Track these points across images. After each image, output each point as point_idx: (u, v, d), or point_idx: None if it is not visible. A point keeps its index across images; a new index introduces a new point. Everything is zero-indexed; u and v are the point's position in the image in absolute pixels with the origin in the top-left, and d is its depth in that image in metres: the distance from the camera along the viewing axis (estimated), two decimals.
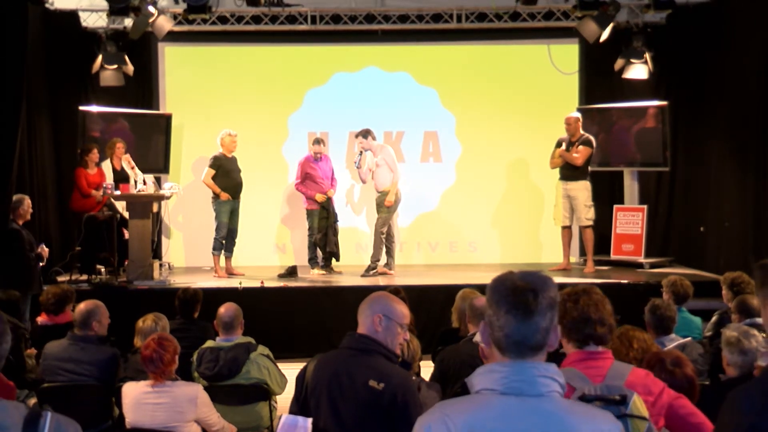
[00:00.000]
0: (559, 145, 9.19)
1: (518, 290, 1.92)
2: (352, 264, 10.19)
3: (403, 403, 3.10)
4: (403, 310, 3.29)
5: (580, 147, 9.04)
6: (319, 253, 9.45)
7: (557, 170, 9.29)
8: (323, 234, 9.28)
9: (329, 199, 9.33)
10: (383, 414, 3.09)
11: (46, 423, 1.99)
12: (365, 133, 9.08)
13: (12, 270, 6.90)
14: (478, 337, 4.42)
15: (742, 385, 2.22)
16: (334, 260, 9.43)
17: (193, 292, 6.05)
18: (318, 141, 9.42)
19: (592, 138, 9.14)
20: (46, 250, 7.48)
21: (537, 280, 1.95)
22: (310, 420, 3.13)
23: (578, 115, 9.27)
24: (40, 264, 7.49)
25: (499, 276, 1.99)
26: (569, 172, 9.14)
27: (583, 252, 10.14)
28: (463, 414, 1.88)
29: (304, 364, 3.41)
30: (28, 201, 7.44)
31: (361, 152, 9.10)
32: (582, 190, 9.12)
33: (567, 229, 9.35)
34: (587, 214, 9.14)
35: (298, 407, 3.26)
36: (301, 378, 3.31)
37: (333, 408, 3.15)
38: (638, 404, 2.48)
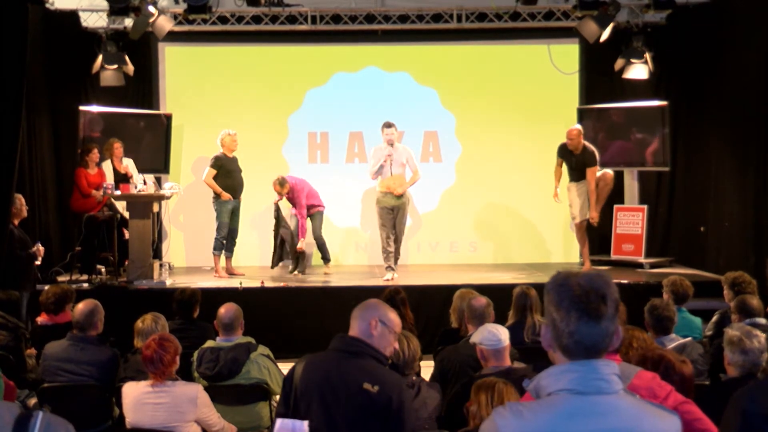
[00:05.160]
0: (561, 154, 9.05)
1: (588, 296, 1.89)
2: (352, 264, 10.23)
3: (398, 405, 3.09)
4: (396, 319, 3.33)
5: (588, 170, 8.82)
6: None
7: (563, 172, 9.19)
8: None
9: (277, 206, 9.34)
10: (378, 417, 3.08)
11: (37, 423, 1.99)
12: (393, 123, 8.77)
13: (2, 269, 6.87)
14: (474, 338, 4.42)
15: (747, 385, 2.22)
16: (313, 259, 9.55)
17: (190, 292, 6.03)
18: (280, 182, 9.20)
19: (593, 149, 8.95)
20: (42, 249, 7.43)
21: (603, 284, 1.92)
22: (306, 423, 3.10)
23: (580, 126, 9.17)
24: (35, 263, 7.46)
25: (560, 280, 1.94)
26: (581, 174, 9.05)
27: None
28: (542, 414, 1.85)
29: None
30: (21, 199, 7.42)
31: (392, 144, 8.72)
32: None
33: (582, 224, 9.10)
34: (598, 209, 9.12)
35: (287, 409, 3.22)
36: (289, 379, 3.26)
37: (326, 411, 3.12)
38: None
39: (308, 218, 9.39)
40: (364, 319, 3.24)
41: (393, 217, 8.81)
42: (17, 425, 1.97)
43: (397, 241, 8.92)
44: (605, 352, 1.93)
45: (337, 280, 8.93)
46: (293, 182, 9.27)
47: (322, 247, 9.57)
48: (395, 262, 8.90)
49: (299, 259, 9.31)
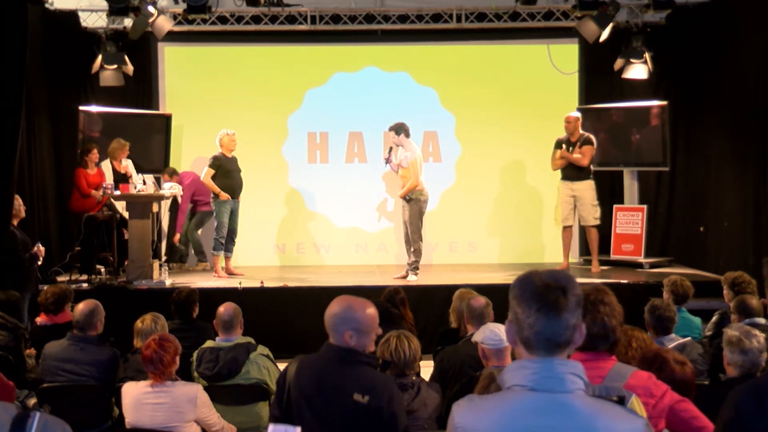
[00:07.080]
0: (558, 146, 9.17)
1: (549, 288, 1.94)
2: (352, 264, 10.21)
3: (389, 412, 3.10)
4: (369, 316, 3.25)
5: (583, 147, 9.03)
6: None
7: (558, 171, 9.28)
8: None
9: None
10: (370, 425, 3.09)
11: (34, 423, 1.99)
12: (398, 129, 8.66)
13: (5, 270, 6.87)
14: (476, 337, 4.42)
15: (743, 383, 2.22)
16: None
17: (187, 292, 6.00)
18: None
19: (592, 137, 9.14)
20: (42, 249, 7.41)
21: (564, 278, 1.97)
22: (298, 428, 3.08)
23: (578, 114, 9.26)
24: (37, 263, 7.45)
25: (524, 276, 2.00)
26: (574, 172, 9.11)
27: (583, 252, 10.17)
28: (494, 408, 1.92)
29: None
30: (19, 200, 7.39)
31: (391, 148, 8.82)
32: (588, 189, 9.11)
33: (568, 230, 9.32)
34: (594, 214, 9.14)
35: (281, 412, 3.23)
36: (282, 382, 3.27)
37: (319, 420, 3.13)
38: (636, 406, 2.48)
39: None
40: (339, 333, 3.22)
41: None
42: (14, 425, 1.97)
43: (406, 241, 8.88)
44: (567, 347, 1.95)
45: (337, 280, 8.93)
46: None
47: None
48: (417, 261, 8.82)
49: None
